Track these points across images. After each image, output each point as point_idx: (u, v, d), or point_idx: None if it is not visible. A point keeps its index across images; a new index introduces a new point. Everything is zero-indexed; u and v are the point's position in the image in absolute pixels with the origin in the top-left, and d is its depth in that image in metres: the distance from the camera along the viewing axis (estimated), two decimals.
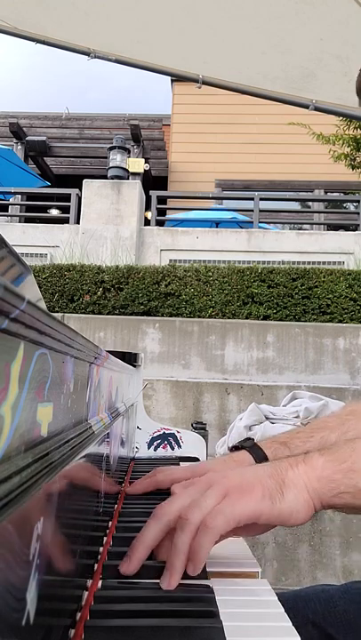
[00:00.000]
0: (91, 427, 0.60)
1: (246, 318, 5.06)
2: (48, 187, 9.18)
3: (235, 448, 0.85)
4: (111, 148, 7.59)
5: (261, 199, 7.71)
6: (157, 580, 0.56)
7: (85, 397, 0.58)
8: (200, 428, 3.18)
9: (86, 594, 0.52)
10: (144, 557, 0.57)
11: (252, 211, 7.48)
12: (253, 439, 0.84)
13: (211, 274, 5.27)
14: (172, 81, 10.34)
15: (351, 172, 7.91)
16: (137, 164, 7.88)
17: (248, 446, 0.82)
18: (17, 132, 10.10)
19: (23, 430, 0.31)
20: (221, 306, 5.12)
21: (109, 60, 2.46)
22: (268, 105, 3.59)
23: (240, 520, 0.55)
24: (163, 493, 0.90)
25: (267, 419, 3.28)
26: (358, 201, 7.89)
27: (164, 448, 1.39)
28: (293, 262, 5.91)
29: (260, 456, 0.80)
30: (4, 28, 2.41)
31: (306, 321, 5.01)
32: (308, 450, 0.66)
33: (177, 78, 4.56)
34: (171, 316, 5.04)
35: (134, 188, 7.13)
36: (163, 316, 5.06)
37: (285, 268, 5.33)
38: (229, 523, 0.55)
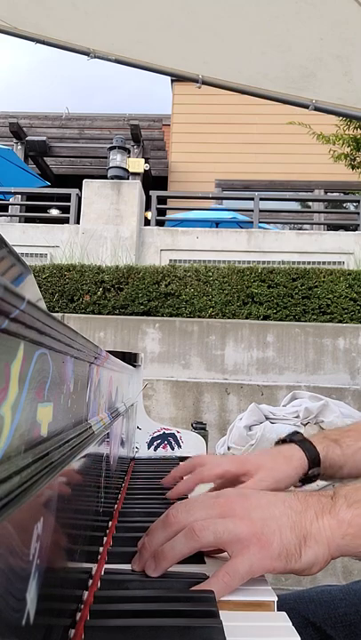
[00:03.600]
0: (91, 427, 0.60)
1: (246, 318, 5.06)
2: (48, 187, 9.18)
3: (282, 441, 0.83)
4: (111, 148, 7.59)
5: (261, 199, 7.71)
6: (157, 578, 0.56)
7: (85, 397, 0.58)
8: (200, 427, 3.18)
9: (86, 594, 0.52)
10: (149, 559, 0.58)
11: (252, 211, 7.48)
12: (301, 433, 0.83)
13: (211, 274, 5.27)
14: (172, 81, 10.34)
15: (351, 172, 7.91)
16: (137, 164, 7.88)
17: (298, 440, 0.81)
18: (17, 132, 10.10)
19: (23, 430, 0.31)
20: (221, 306, 5.12)
21: (109, 59, 2.46)
22: (268, 105, 3.59)
23: (252, 576, 0.54)
24: (165, 494, 0.90)
25: (267, 419, 3.28)
26: (358, 201, 7.89)
27: (164, 448, 1.39)
28: (293, 262, 5.91)
29: (311, 452, 0.79)
30: (4, 27, 2.41)
31: (306, 321, 5.01)
32: (335, 493, 0.62)
33: (177, 78, 4.56)
34: (171, 316, 5.04)
35: (134, 188, 7.13)
36: (163, 316, 5.06)
37: (285, 267, 5.33)
38: (243, 578, 0.54)
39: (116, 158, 7.47)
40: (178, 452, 1.39)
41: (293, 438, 0.82)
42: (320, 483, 0.85)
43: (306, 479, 0.80)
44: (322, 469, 0.80)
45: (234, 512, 0.57)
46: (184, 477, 0.84)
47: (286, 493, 0.62)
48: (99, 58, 2.45)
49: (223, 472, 0.79)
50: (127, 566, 0.60)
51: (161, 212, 7.95)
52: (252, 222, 7.51)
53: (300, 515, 0.57)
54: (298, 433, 0.83)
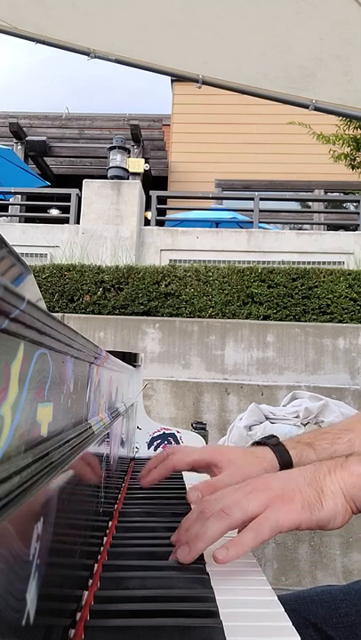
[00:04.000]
0: (91, 427, 0.60)
1: (246, 318, 5.06)
2: (48, 187, 9.17)
3: (257, 443, 0.84)
4: (111, 148, 7.59)
5: (261, 199, 7.71)
6: (156, 576, 0.56)
7: (85, 397, 0.58)
8: (200, 428, 3.18)
9: (86, 594, 0.52)
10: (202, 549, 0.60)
11: (252, 211, 7.48)
12: (278, 437, 0.84)
13: (211, 274, 5.27)
14: (172, 81, 10.34)
15: (351, 172, 7.91)
16: (137, 164, 7.88)
17: (272, 444, 0.82)
18: (17, 132, 10.10)
19: (23, 430, 0.31)
20: (221, 306, 5.12)
21: (109, 59, 2.46)
22: (268, 105, 3.59)
23: (282, 529, 0.58)
24: (165, 494, 0.90)
25: (267, 419, 3.28)
26: (358, 201, 7.89)
27: (164, 448, 1.39)
28: (293, 262, 5.91)
29: (283, 456, 0.80)
30: (4, 27, 2.41)
31: (306, 321, 5.01)
32: (335, 452, 0.70)
33: (177, 78, 4.57)
34: (171, 316, 5.04)
35: (134, 188, 7.13)
36: (163, 316, 5.06)
37: (285, 267, 5.33)
38: (273, 531, 0.57)
39: (116, 158, 7.47)
40: (178, 447, 1.39)
41: (267, 441, 0.82)
42: None
43: None
44: None
45: (255, 488, 0.61)
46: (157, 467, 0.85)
47: (297, 468, 0.67)
48: (99, 58, 2.45)
49: (193, 461, 0.82)
50: (127, 566, 0.60)
51: (161, 212, 7.94)
52: (252, 222, 7.51)
53: (315, 473, 0.62)
54: (273, 437, 0.84)
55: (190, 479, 1.05)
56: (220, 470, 0.79)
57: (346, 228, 8.39)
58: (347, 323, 4.96)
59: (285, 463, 0.79)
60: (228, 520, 0.58)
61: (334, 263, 6.42)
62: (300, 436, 0.86)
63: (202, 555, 0.62)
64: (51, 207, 9.11)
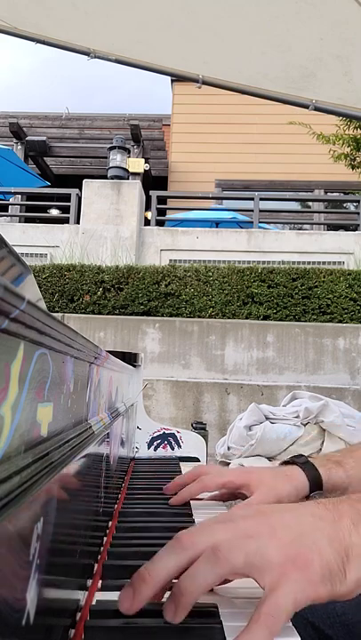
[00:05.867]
0: (91, 427, 0.60)
1: (246, 318, 5.06)
2: (48, 187, 9.18)
3: (285, 463, 0.82)
4: (111, 148, 7.59)
5: (261, 199, 7.71)
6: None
7: (85, 397, 0.58)
8: (200, 428, 3.18)
9: (86, 594, 0.52)
10: (150, 595, 0.45)
11: (252, 211, 7.49)
12: (305, 455, 0.81)
13: (211, 274, 5.27)
14: (172, 81, 10.35)
15: (351, 172, 7.91)
16: (137, 164, 7.88)
17: (301, 462, 0.79)
18: (17, 132, 10.10)
19: (23, 430, 0.31)
20: (221, 306, 5.12)
21: (109, 59, 2.46)
22: (268, 105, 3.59)
23: (298, 609, 0.44)
24: (165, 494, 0.90)
25: (267, 419, 3.28)
26: (358, 201, 7.89)
27: (164, 448, 1.40)
28: (293, 262, 5.92)
29: (313, 475, 0.77)
30: (4, 27, 2.41)
31: (306, 321, 5.01)
32: None
33: (177, 78, 4.57)
34: (171, 316, 5.04)
35: (134, 188, 7.13)
36: (163, 316, 5.06)
37: (285, 267, 5.33)
38: (288, 617, 0.44)
39: (116, 158, 7.47)
40: (178, 452, 1.39)
41: (296, 460, 0.80)
42: None
43: None
44: (325, 492, 0.78)
45: (260, 531, 0.47)
46: (187, 485, 0.83)
47: (308, 503, 0.54)
48: (99, 58, 2.45)
49: (226, 481, 0.79)
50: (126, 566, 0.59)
51: (161, 212, 7.95)
52: (252, 222, 7.52)
53: (335, 525, 0.49)
54: (301, 455, 0.81)
55: None
56: (251, 491, 0.76)
57: (346, 227, 8.40)
58: (347, 323, 4.96)
59: (315, 482, 0.77)
60: (226, 567, 0.45)
61: (334, 263, 6.42)
62: (328, 454, 0.84)
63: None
64: (51, 207, 9.12)
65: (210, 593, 0.52)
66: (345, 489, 0.79)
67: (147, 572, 0.46)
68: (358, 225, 7.53)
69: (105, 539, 0.68)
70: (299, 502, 0.71)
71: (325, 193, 10.16)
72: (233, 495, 0.82)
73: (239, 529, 0.48)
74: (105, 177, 7.44)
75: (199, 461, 1.36)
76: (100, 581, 0.56)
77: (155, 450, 1.39)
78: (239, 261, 5.97)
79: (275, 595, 0.43)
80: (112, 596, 0.52)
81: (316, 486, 0.77)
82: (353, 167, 7.75)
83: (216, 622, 0.46)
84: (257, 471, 0.80)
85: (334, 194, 10.28)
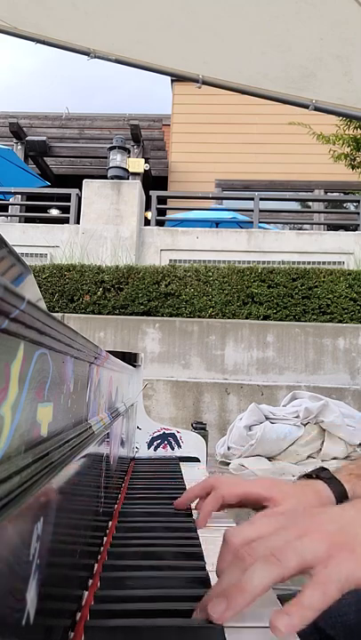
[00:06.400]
0: (91, 427, 0.60)
1: (246, 318, 5.06)
2: (48, 187, 9.18)
3: (307, 476, 0.79)
4: (111, 148, 7.59)
5: (261, 199, 7.71)
6: (156, 576, 0.56)
7: (85, 397, 0.58)
8: (200, 428, 3.18)
9: (86, 594, 0.52)
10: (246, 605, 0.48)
11: (252, 211, 7.49)
12: (328, 469, 0.78)
13: (211, 274, 5.28)
14: (172, 81, 10.35)
15: (351, 172, 7.91)
16: (137, 164, 7.88)
17: (325, 477, 0.77)
18: (17, 132, 10.10)
19: (23, 430, 0.31)
20: (221, 306, 5.12)
21: (109, 59, 2.46)
22: (268, 105, 3.59)
23: (345, 588, 0.46)
24: (165, 494, 0.90)
25: (267, 419, 3.28)
26: (358, 201, 7.89)
27: (164, 448, 1.40)
28: (293, 262, 5.91)
29: (338, 490, 0.75)
30: (4, 27, 2.41)
31: (306, 321, 5.01)
32: None
33: (177, 78, 4.57)
34: (171, 316, 5.04)
35: (134, 188, 7.14)
36: (163, 316, 5.06)
37: (285, 267, 5.33)
38: (341, 592, 0.46)
39: (116, 158, 7.47)
40: (178, 452, 1.39)
41: (320, 475, 0.78)
42: None
43: None
44: None
45: (309, 530, 0.50)
46: (199, 499, 0.80)
47: (343, 504, 0.58)
48: (99, 58, 2.45)
49: (244, 492, 0.76)
50: (126, 567, 0.59)
51: (161, 212, 7.95)
52: (252, 222, 7.52)
53: None
54: (325, 470, 0.78)
55: (190, 480, 1.05)
56: (275, 505, 0.73)
57: (346, 227, 8.40)
58: (347, 323, 4.96)
59: (340, 497, 0.75)
60: (280, 567, 0.46)
61: (334, 263, 6.42)
62: (349, 466, 0.82)
63: (201, 555, 0.62)
64: (51, 207, 9.12)
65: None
66: None
67: (220, 587, 0.48)
68: (358, 225, 7.53)
69: (105, 539, 0.68)
70: None
71: (325, 193, 10.16)
72: (248, 504, 0.78)
73: (290, 532, 0.50)
74: (105, 177, 7.44)
75: (199, 461, 1.36)
76: (100, 581, 0.56)
77: (155, 450, 1.39)
78: (239, 261, 5.97)
79: (327, 568, 0.46)
80: (112, 596, 0.52)
81: (342, 501, 0.75)
82: (353, 167, 7.75)
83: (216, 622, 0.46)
84: (281, 484, 0.77)
85: (334, 194, 10.28)
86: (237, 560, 0.49)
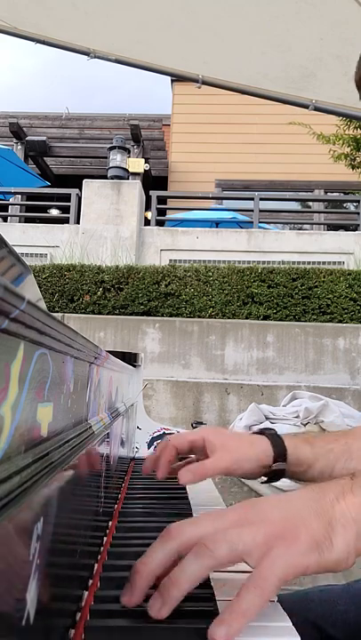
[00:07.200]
0: (91, 427, 0.60)
1: (246, 318, 5.06)
2: (48, 187, 9.18)
3: (255, 433, 0.83)
4: (111, 148, 7.59)
5: (261, 199, 7.71)
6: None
7: (85, 397, 0.58)
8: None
9: (86, 594, 0.52)
10: (145, 586, 0.47)
11: (252, 211, 7.49)
12: (274, 429, 0.82)
13: (211, 274, 5.27)
14: (172, 81, 10.35)
15: (351, 172, 7.91)
16: (137, 164, 7.88)
17: (268, 433, 0.80)
18: (17, 132, 10.10)
19: (23, 430, 0.31)
20: (221, 306, 5.12)
21: (109, 59, 2.46)
22: (268, 105, 3.59)
23: (287, 579, 0.46)
24: (165, 494, 0.90)
25: (267, 419, 3.28)
26: (358, 201, 7.89)
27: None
28: (293, 262, 5.91)
29: (278, 446, 0.77)
30: (4, 27, 2.41)
31: (306, 321, 5.01)
32: (331, 450, 0.56)
33: (177, 78, 4.57)
34: (171, 316, 5.04)
35: (134, 188, 7.13)
36: (163, 316, 5.06)
37: (285, 267, 5.33)
38: (280, 586, 0.45)
39: (116, 158, 7.47)
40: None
41: (265, 431, 0.81)
42: (286, 482, 0.84)
43: (270, 474, 0.78)
44: (289, 465, 0.78)
45: (247, 519, 0.49)
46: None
47: (295, 490, 0.55)
48: (99, 58, 2.45)
49: (191, 439, 0.80)
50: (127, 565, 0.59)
51: (161, 212, 7.95)
52: (252, 222, 7.52)
53: (320, 501, 0.50)
54: (270, 429, 0.82)
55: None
56: (212, 451, 0.76)
57: (346, 227, 8.39)
58: (347, 323, 4.96)
59: (279, 453, 0.77)
60: (212, 560, 0.46)
61: (334, 263, 6.42)
62: (299, 433, 0.86)
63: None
64: (51, 207, 9.12)
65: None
66: (310, 465, 0.79)
67: (140, 564, 0.48)
68: (358, 225, 7.53)
69: (105, 539, 0.68)
70: (259, 471, 0.77)
71: (325, 193, 10.16)
72: (198, 452, 0.81)
73: (226, 520, 0.49)
74: (105, 177, 7.44)
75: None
76: (100, 581, 0.56)
77: (155, 450, 1.39)
78: (239, 261, 5.96)
79: (261, 565, 0.45)
80: (112, 596, 0.52)
81: (280, 457, 0.77)
82: (353, 167, 7.75)
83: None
84: (221, 433, 0.81)
85: (334, 194, 10.28)
86: (167, 536, 0.48)
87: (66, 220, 7.33)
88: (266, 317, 5.09)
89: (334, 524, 0.48)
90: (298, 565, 0.46)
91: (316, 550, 0.47)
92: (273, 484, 0.82)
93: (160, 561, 0.47)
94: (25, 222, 7.94)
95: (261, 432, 0.81)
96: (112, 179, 7.33)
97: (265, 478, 0.80)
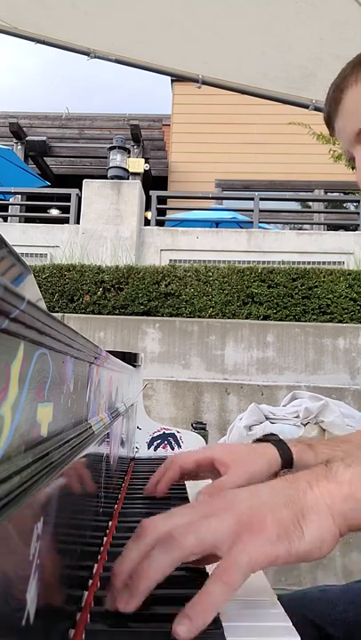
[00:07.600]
0: (91, 427, 0.60)
1: (246, 318, 5.06)
2: (48, 187, 9.18)
3: (258, 440, 0.83)
4: (111, 148, 7.60)
5: (261, 199, 7.71)
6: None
7: (85, 397, 0.58)
8: (200, 428, 3.18)
9: (86, 594, 0.52)
10: (122, 587, 0.47)
11: (252, 211, 7.49)
12: (277, 434, 0.82)
13: (211, 274, 5.27)
14: (172, 81, 10.35)
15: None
16: (137, 164, 7.88)
17: (274, 440, 0.80)
18: (17, 132, 10.10)
19: (23, 430, 0.31)
20: (221, 306, 5.12)
21: (109, 59, 2.46)
22: (268, 105, 3.59)
23: (254, 569, 0.45)
24: (165, 494, 0.90)
25: (267, 419, 3.28)
26: (358, 201, 7.89)
27: (164, 448, 1.39)
28: (293, 262, 5.92)
29: (285, 452, 0.77)
30: (4, 27, 2.41)
31: (306, 321, 5.01)
32: (329, 459, 0.55)
33: (177, 78, 4.57)
34: (171, 316, 5.04)
35: (134, 188, 7.14)
36: (163, 316, 5.06)
37: (285, 267, 5.33)
38: (246, 576, 0.44)
39: (116, 158, 7.47)
40: (178, 452, 1.39)
41: (269, 438, 0.81)
42: None
43: None
44: (295, 471, 0.78)
45: (215, 510, 0.48)
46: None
47: (269, 481, 0.55)
48: (99, 58, 2.45)
49: (198, 459, 0.79)
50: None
51: (161, 212, 7.95)
52: (252, 222, 7.52)
53: (291, 489, 0.49)
54: (273, 435, 0.82)
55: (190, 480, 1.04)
56: (225, 469, 0.75)
57: (346, 227, 8.40)
58: (347, 323, 4.96)
59: (287, 459, 0.78)
60: (180, 551, 0.45)
61: (334, 263, 6.42)
62: (299, 438, 0.86)
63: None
64: (51, 207, 9.12)
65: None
66: None
67: (117, 565, 0.47)
68: (358, 225, 7.54)
69: (105, 539, 0.68)
70: (268, 478, 0.75)
71: (325, 193, 10.15)
72: (211, 474, 0.80)
73: (196, 512, 0.49)
74: (105, 177, 7.44)
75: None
76: (100, 582, 0.56)
77: (155, 450, 1.39)
78: (239, 261, 5.97)
79: (228, 555, 0.45)
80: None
81: (288, 463, 0.78)
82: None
83: (217, 628, 0.46)
84: (230, 447, 0.80)
85: (334, 194, 10.28)
86: (141, 533, 0.48)
87: (66, 220, 7.33)
88: (266, 317, 5.09)
89: (306, 512, 0.47)
90: (266, 555, 0.45)
91: (285, 539, 0.46)
92: None
93: (136, 560, 0.47)
94: (25, 222, 7.94)
95: (265, 439, 0.81)
96: (112, 179, 7.33)
97: None
